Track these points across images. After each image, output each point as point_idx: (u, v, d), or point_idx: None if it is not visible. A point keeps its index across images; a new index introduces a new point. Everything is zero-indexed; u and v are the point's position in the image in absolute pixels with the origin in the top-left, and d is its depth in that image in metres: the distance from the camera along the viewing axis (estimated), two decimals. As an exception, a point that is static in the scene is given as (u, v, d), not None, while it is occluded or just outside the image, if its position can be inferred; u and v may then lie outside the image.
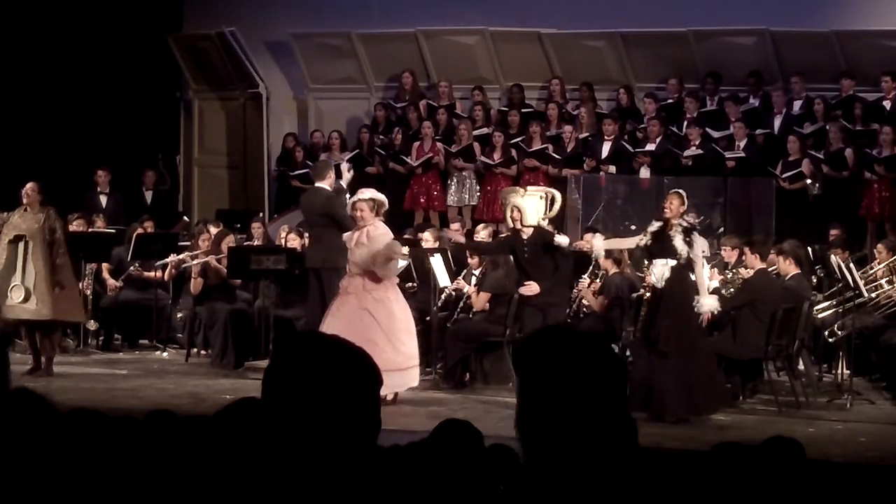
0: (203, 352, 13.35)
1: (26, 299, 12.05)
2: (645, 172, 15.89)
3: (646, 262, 10.90)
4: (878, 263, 12.57)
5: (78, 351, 13.79)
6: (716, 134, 15.90)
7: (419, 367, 11.32)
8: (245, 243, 14.23)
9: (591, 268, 12.13)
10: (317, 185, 12.29)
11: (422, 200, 16.68)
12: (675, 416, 10.16)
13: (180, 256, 13.70)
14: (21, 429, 3.49)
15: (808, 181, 15.22)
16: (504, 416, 10.39)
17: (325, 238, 11.73)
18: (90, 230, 14.32)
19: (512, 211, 11.06)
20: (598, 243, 11.30)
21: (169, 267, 13.84)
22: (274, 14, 18.42)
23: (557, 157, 16.13)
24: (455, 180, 16.64)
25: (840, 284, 11.80)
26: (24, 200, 12.31)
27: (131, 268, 14.07)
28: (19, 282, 12.08)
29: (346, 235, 11.00)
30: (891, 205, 14.79)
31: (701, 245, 10.41)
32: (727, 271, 12.00)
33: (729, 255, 12.28)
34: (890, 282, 12.26)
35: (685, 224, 10.41)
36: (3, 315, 12.21)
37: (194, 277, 13.14)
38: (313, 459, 2.64)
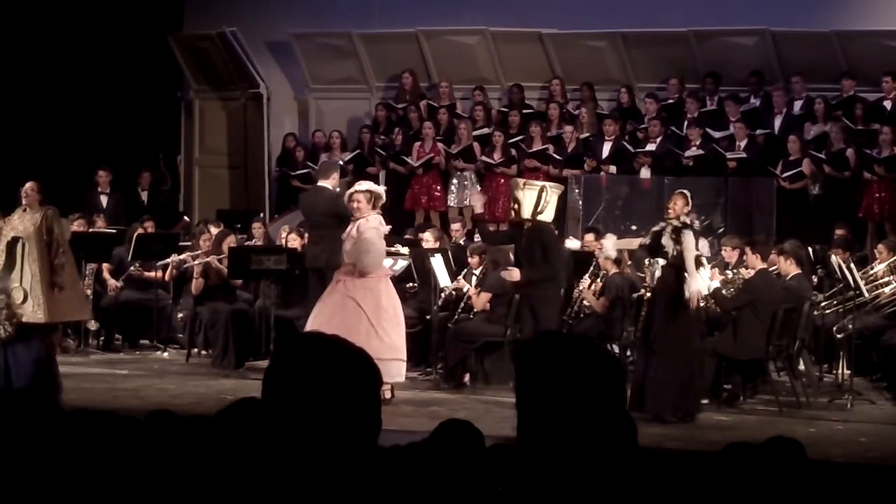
0: (204, 352, 13.35)
1: (24, 301, 12.05)
2: (645, 173, 15.89)
3: (647, 262, 10.90)
4: (879, 263, 12.57)
5: (78, 351, 13.79)
6: (716, 134, 15.90)
7: (419, 367, 11.36)
8: (246, 243, 14.23)
9: (591, 268, 12.13)
10: (319, 184, 12.25)
11: (422, 200, 16.69)
12: (674, 416, 10.16)
13: (181, 256, 13.70)
14: (25, 428, 3.50)
15: (809, 181, 15.23)
16: (504, 416, 10.40)
17: (329, 238, 11.68)
18: (91, 230, 14.33)
19: (513, 202, 11.06)
20: (608, 244, 11.29)
21: (170, 267, 13.84)
22: (274, 14, 18.42)
23: (558, 157, 16.13)
24: (456, 181, 16.65)
25: (840, 284, 11.81)
26: (24, 200, 12.31)
27: (132, 268, 14.07)
28: (18, 283, 12.08)
29: (350, 234, 10.98)
30: (890, 205, 14.79)
31: (691, 240, 10.40)
32: (728, 271, 11.99)
33: (729, 255, 12.28)
34: (890, 282, 12.27)
35: (676, 223, 10.43)
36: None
37: (195, 277, 13.14)
38: (314, 459, 2.64)
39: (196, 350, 13.44)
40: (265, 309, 12.84)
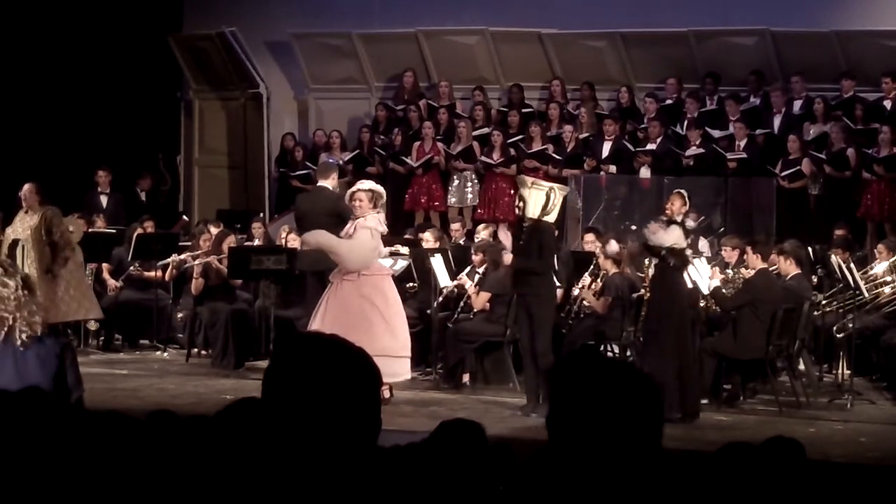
0: (203, 352, 13.35)
1: None
2: (645, 172, 15.89)
3: (647, 262, 10.91)
4: (879, 263, 12.57)
5: (78, 351, 13.74)
6: (716, 134, 15.90)
7: (419, 367, 11.37)
8: (245, 243, 14.23)
9: (591, 267, 12.12)
10: (320, 184, 12.23)
11: (422, 200, 16.69)
12: (675, 414, 10.16)
13: (181, 256, 13.70)
14: (28, 427, 3.50)
15: (809, 181, 15.24)
16: (504, 416, 10.41)
17: None
18: (90, 230, 14.32)
19: (518, 201, 11.04)
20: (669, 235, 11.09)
21: (170, 267, 13.84)
22: (274, 14, 18.42)
23: (558, 157, 16.13)
24: (456, 181, 16.66)
25: (840, 284, 11.81)
26: (24, 203, 12.33)
27: (131, 268, 14.07)
28: None
29: (345, 230, 10.98)
30: (890, 205, 14.79)
31: (675, 231, 10.40)
32: (728, 270, 12.00)
33: (730, 255, 12.28)
34: (890, 281, 12.27)
35: (669, 219, 10.47)
36: None
37: (195, 277, 13.14)
38: (314, 459, 2.64)
39: (196, 350, 13.44)
40: (265, 309, 12.84)
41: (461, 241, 14.40)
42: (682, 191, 10.74)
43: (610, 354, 12.61)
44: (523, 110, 17.04)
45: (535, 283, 10.83)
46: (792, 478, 3.44)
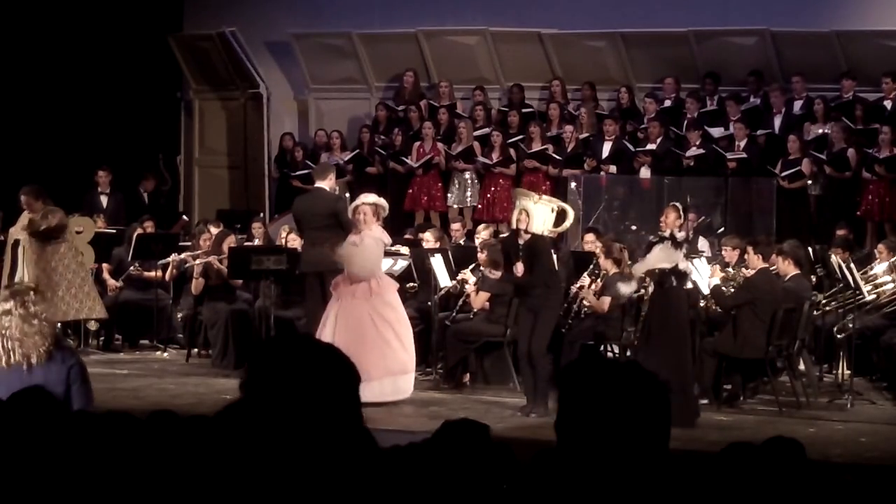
0: (203, 352, 13.34)
1: None
2: (645, 172, 15.89)
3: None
4: (879, 263, 12.57)
5: (78, 351, 13.76)
6: (716, 134, 15.90)
7: (420, 367, 11.38)
8: (245, 243, 14.23)
9: (591, 267, 12.11)
10: (317, 185, 12.26)
11: (422, 201, 16.69)
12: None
13: (182, 256, 13.70)
14: (31, 427, 3.50)
15: (809, 181, 15.24)
16: (504, 416, 10.41)
17: (329, 239, 11.66)
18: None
19: (520, 213, 11.00)
20: (625, 288, 11.13)
21: (170, 267, 13.84)
22: (274, 14, 18.42)
23: (558, 157, 16.13)
24: (456, 181, 16.66)
25: (840, 284, 11.80)
26: (24, 206, 12.35)
27: (131, 268, 14.07)
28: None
29: (349, 239, 10.99)
30: (890, 205, 14.79)
31: (659, 251, 10.45)
32: (729, 269, 12.00)
33: (730, 255, 12.27)
34: (892, 281, 12.26)
35: (664, 235, 10.54)
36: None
37: (196, 277, 13.14)
38: (303, 458, 2.64)
39: (196, 350, 13.44)
40: (265, 309, 12.83)
41: (461, 241, 14.40)
42: (677, 204, 10.79)
43: (610, 354, 12.62)
44: (523, 110, 17.03)
45: (540, 294, 10.81)
46: (792, 478, 3.44)
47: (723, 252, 12.58)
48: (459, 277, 12.25)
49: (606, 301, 11.79)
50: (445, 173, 16.76)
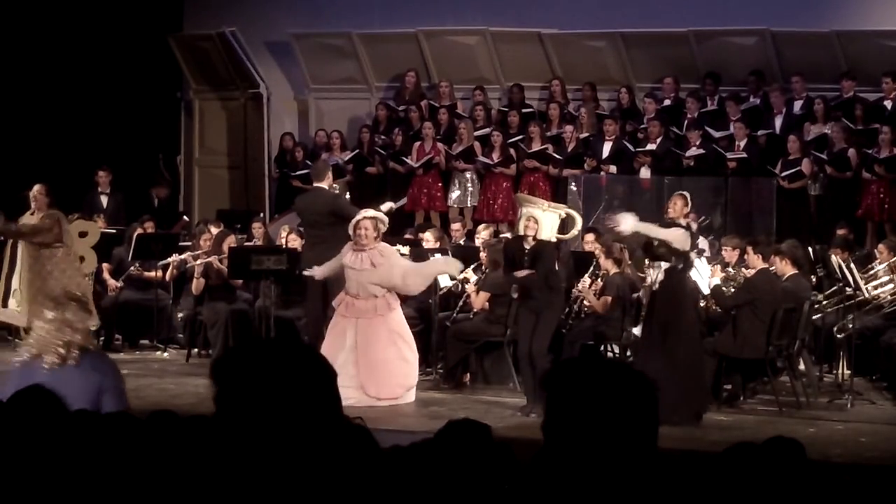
0: (203, 352, 13.34)
1: (19, 303, 12.11)
2: (645, 172, 15.89)
3: (647, 262, 10.91)
4: (879, 263, 12.57)
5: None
6: (716, 134, 15.90)
7: (420, 367, 11.39)
8: (245, 243, 14.23)
9: (591, 268, 12.12)
10: (316, 185, 12.31)
11: (422, 201, 16.69)
12: (682, 417, 10.17)
13: (182, 256, 13.70)
14: (32, 426, 3.50)
15: (809, 181, 15.24)
16: (504, 416, 10.41)
17: (330, 238, 11.66)
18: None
19: (528, 220, 10.99)
20: (628, 221, 10.94)
21: (171, 267, 13.84)
22: (274, 14, 18.42)
23: (558, 157, 16.14)
24: (456, 181, 16.66)
25: (840, 284, 11.80)
26: (32, 204, 12.34)
27: (132, 268, 14.07)
28: (17, 286, 12.13)
29: (349, 258, 10.94)
30: (890, 205, 14.79)
31: (677, 231, 10.41)
32: (729, 269, 12.00)
33: (730, 255, 12.27)
34: (891, 281, 12.26)
35: (672, 221, 10.45)
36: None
37: (196, 278, 13.14)
38: (300, 458, 2.64)
39: (196, 350, 13.44)
40: (265, 309, 12.83)
41: (461, 242, 14.39)
42: (685, 192, 10.73)
43: (610, 355, 12.62)
44: (523, 110, 17.03)
45: (544, 297, 10.81)
46: (792, 478, 3.44)
47: (723, 252, 12.58)
48: (461, 276, 12.26)
49: (606, 301, 11.79)
50: (445, 173, 16.76)
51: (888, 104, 15.53)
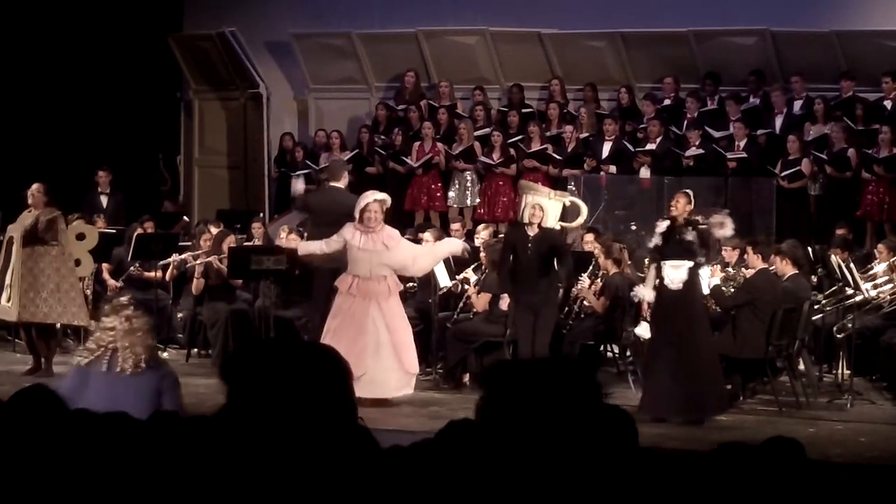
0: (203, 352, 13.34)
1: (9, 300, 12.11)
2: (645, 172, 15.89)
3: (646, 262, 10.91)
4: (879, 263, 12.57)
5: (78, 351, 13.76)
6: (716, 134, 15.90)
7: (419, 367, 11.39)
8: (245, 243, 14.23)
9: (591, 268, 12.11)
10: (332, 184, 12.28)
11: (422, 200, 16.70)
12: (680, 419, 10.18)
13: (183, 256, 13.70)
14: (34, 426, 3.50)
15: (809, 181, 15.24)
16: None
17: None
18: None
19: (534, 208, 11.00)
20: (647, 294, 10.91)
21: (171, 267, 13.84)
22: (274, 14, 18.42)
23: (558, 157, 16.14)
24: (456, 181, 16.66)
25: (840, 284, 11.80)
26: (30, 201, 12.33)
27: (131, 268, 14.07)
28: (9, 282, 12.13)
29: (357, 240, 10.91)
30: (890, 205, 14.79)
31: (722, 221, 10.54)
32: (729, 269, 12.00)
33: (730, 255, 12.28)
34: (890, 281, 12.26)
35: (700, 223, 10.44)
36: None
37: (196, 278, 13.14)
38: (303, 459, 2.64)
39: (196, 350, 13.43)
40: (265, 309, 12.83)
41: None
42: (688, 191, 10.72)
43: (610, 355, 12.63)
44: (523, 110, 17.04)
45: (544, 288, 10.83)
46: (792, 478, 3.44)
47: (723, 252, 12.57)
48: (461, 277, 12.26)
49: (606, 301, 11.79)
50: (445, 173, 16.76)
51: (888, 104, 15.54)
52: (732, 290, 11.43)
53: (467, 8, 17.79)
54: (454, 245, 11.79)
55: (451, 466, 3.49)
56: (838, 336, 11.86)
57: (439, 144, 16.73)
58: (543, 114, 16.97)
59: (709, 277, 11.60)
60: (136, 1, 18.16)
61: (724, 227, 10.64)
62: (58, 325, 12.87)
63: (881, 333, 11.90)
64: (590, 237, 13.34)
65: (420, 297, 12.54)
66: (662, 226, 10.45)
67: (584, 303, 12.03)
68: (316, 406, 2.67)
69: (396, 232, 11.17)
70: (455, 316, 12.15)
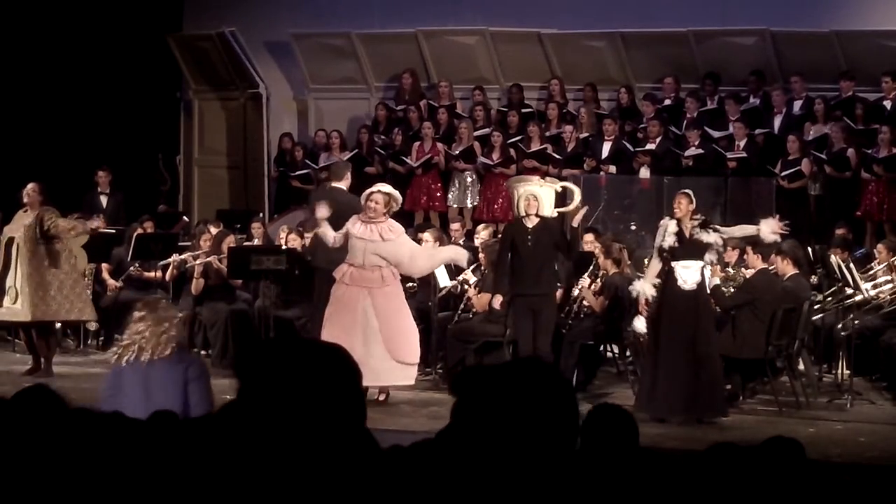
0: (203, 352, 13.33)
1: (16, 301, 12.10)
2: (645, 172, 15.89)
3: (646, 261, 10.91)
4: (879, 263, 12.57)
5: (78, 351, 13.79)
6: (716, 134, 15.90)
7: (420, 368, 11.38)
8: (245, 243, 14.22)
9: (591, 267, 12.11)
10: (334, 185, 12.20)
11: (422, 200, 16.70)
12: (680, 418, 10.18)
13: (183, 256, 13.69)
14: (35, 425, 3.50)
15: (809, 181, 15.23)
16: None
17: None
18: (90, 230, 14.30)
19: (528, 199, 10.99)
20: (646, 289, 10.89)
21: (171, 267, 13.83)
22: (274, 14, 18.42)
23: (558, 157, 16.14)
24: (456, 181, 16.66)
25: (840, 284, 11.80)
26: (25, 200, 12.33)
27: (131, 268, 14.06)
28: (12, 283, 12.13)
29: (357, 228, 10.90)
30: (889, 205, 14.79)
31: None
32: (729, 269, 12.00)
33: (729, 255, 12.26)
34: (890, 281, 12.26)
35: (700, 219, 10.45)
36: None
37: (196, 278, 13.14)
38: (304, 459, 2.64)
39: (196, 350, 13.42)
40: (265, 309, 12.83)
41: (461, 242, 14.38)
42: (688, 190, 10.72)
43: (610, 355, 12.63)
44: (523, 110, 17.03)
45: (545, 282, 10.84)
46: (792, 478, 3.44)
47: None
48: (461, 278, 12.26)
49: (605, 301, 11.79)
50: (445, 173, 16.76)
51: (888, 104, 15.54)
52: (732, 290, 11.43)
53: (467, 8, 17.79)
54: (457, 254, 11.62)
55: (452, 466, 3.49)
56: (842, 334, 11.82)
57: (439, 144, 16.73)
58: (543, 114, 16.97)
59: (709, 277, 11.60)
60: (136, 1, 18.16)
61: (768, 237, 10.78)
62: (58, 325, 12.89)
63: (881, 333, 11.90)
64: (590, 237, 13.34)
65: (420, 297, 12.54)
66: (673, 225, 10.41)
67: (584, 303, 12.03)
68: (325, 406, 2.67)
69: (400, 227, 11.12)
70: (455, 316, 12.15)
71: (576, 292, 12.09)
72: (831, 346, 12.16)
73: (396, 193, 11.18)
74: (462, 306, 12.25)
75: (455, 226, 15.07)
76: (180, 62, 18.91)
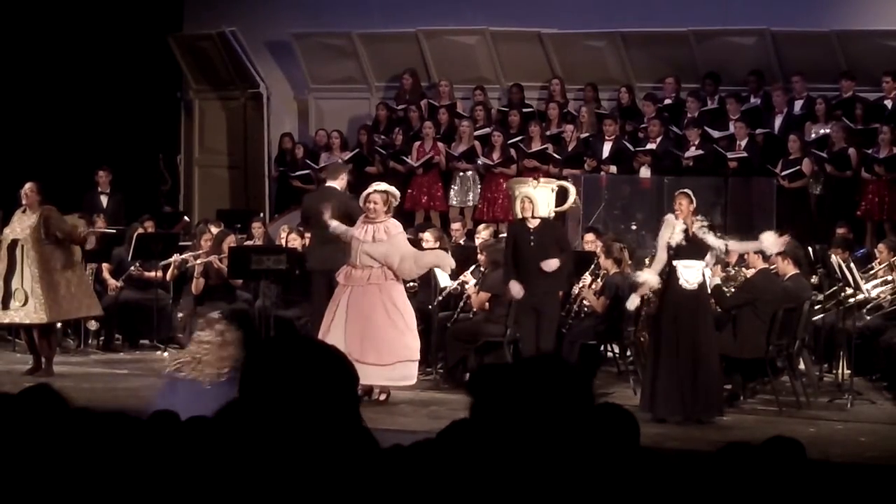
0: (203, 352, 13.32)
1: (24, 303, 12.10)
2: (645, 172, 15.89)
3: (647, 261, 10.90)
4: (879, 263, 12.57)
5: (78, 351, 13.80)
6: (716, 134, 15.90)
7: (420, 367, 11.37)
8: (245, 243, 14.23)
9: (591, 267, 12.12)
10: (328, 184, 12.22)
11: (422, 200, 16.70)
12: (680, 418, 10.17)
13: (183, 256, 13.70)
14: (36, 425, 3.50)
15: (809, 181, 15.24)
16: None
17: (338, 238, 11.57)
18: (91, 230, 14.30)
19: (523, 201, 11.02)
20: (653, 280, 10.84)
21: (171, 267, 13.84)
22: (274, 14, 18.42)
23: (558, 156, 16.14)
24: (457, 181, 16.66)
25: (840, 284, 11.80)
26: (24, 201, 12.33)
27: (132, 268, 14.07)
28: (19, 285, 12.12)
29: (357, 226, 10.95)
30: (890, 205, 14.79)
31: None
32: (729, 269, 12.00)
33: (730, 255, 12.27)
34: (891, 281, 12.26)
35: (704, 222, 10.46)
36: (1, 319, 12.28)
37: (196, 277, 13.14)
38: (303, 459, 2.64)
39: (196, 350, 13.42)
40: (265, 309, 12.84)
41: (461, 241, 14.39)
42: (687, 190, 10.71)
43: (610, 354, 12.63)
44: (523, 110, 17.04)
45: (550, 282, 10.84)
46: (792, 478, 3.44)
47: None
48: (460, 280, 12.26)
49: (606, 301, 11.79)
50: (446, 173, 16.76)
51: (888, 104, 15.54)
52: (733, 289, 11.43)
53: (467, 8, 17.79)
54: (441, 259, 11.49)
55: (452, 466, 3.49)
56: (847, 332, 11.79)
57: (439, 144, 16.73)
58: (543, 113, 16.97)
59: (710, 277, 11.60)
60: (136, 1, 18.16)
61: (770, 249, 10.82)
62: (58, 325, 12.89)
63: (881, 333, 11.90)
64: (590, 237, 13.35)
65: (421, 297, 12.54)
66: (679, 224, 10.39)
67: (585, 302, 12.03)
68: (322, 407, 2.67)
69: (398, 228, 11.10)
70: (455, 316, 12.15)
71: (576, 291, 12.09)
72: (832, 345, 12.15)
73: (393, 189, 11.19)
74: (462, 306, 12.25)
75: (456, 225, 15.09)
76: (181, 62, 18.92)
